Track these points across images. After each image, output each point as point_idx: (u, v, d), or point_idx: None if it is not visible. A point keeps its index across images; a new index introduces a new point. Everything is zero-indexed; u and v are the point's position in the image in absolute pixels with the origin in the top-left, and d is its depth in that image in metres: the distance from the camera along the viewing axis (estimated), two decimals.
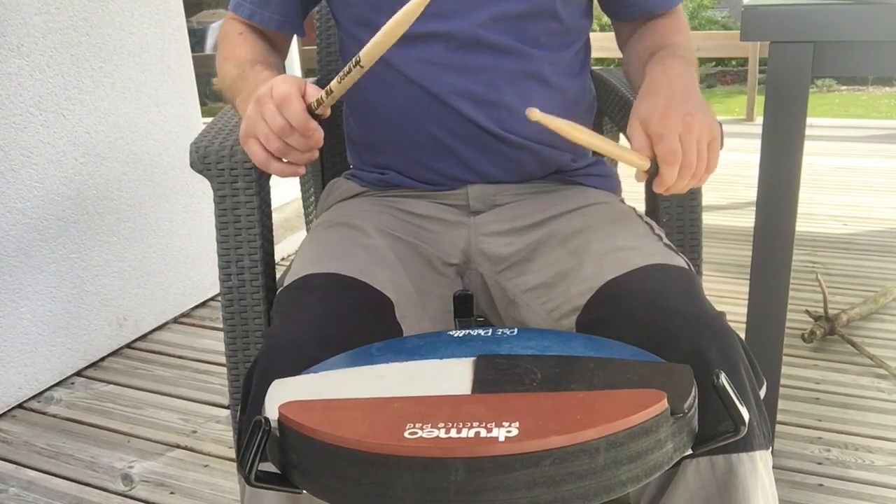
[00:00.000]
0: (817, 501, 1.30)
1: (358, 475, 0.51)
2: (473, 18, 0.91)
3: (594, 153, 1.07)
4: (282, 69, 0.97)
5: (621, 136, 1.28)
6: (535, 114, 0.73)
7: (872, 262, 2.35)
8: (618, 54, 1.08)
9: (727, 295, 2.01)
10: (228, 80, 0.94)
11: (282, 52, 1.05)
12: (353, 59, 0.74)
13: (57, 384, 1.79)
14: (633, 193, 1.12)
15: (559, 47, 0.96)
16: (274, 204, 1.07)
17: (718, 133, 0.80)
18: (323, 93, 0.76)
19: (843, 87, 8.69)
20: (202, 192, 2.13)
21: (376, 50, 0.73)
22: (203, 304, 2.20)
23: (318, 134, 0.77)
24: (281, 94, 0.75)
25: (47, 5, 1.69)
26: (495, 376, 0.61)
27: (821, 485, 1.34)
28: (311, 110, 0.77)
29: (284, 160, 0.79)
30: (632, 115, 0.82)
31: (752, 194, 1.16)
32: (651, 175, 0.79)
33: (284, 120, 0.75)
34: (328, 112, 0.78)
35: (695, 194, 1.05)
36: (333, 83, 0.76)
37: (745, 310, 1.19)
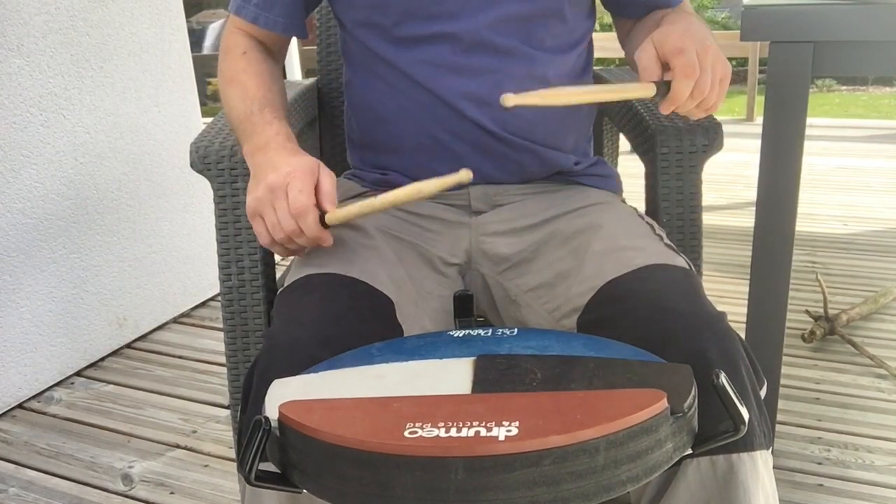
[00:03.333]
0: (817, 501, 1.30)
1: (358, 475, 0.51)
2: (480, 19, 0.90)
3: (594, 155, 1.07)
4: (286, 106, 0.97)
5: (622, 136, 1.28)
6: (509, 99, 0.72)
7: (872, 262, 2.35)
8: (618, 54, 1.08)
9: (727, 295, 2.01)
10: (234, 114, 0.94)
11: (281, 54, 1.04)
12: (378, 198, 0.79)
13: (57, 384, 1.79)
14: (634, 193, 1.12)
15: (563, 50, 0.96)
16: None
17: (730, 72, 0.80)
18: (342, 212, 0.80)
19: (843, 87, 8.69)
20: (202, 192, 2.13)
21: (400, 200, 0.78)
22: (203, 304, 2.20)
23: (329, 242, 0.83)
24: (298, 206, 0.79)
25: (47, 5, 1.69)
26: (495, 376, 0.61)
27: (821, 485, 1.34)
28: (322, 219, 0.81)
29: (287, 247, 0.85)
30: (646, 40, 0.80)
31: (752, 194, 1.15)
32: (661, 95, 0.77)
33: (298, 227, 0.80)
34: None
35: (695, 194, 1.05)
36: (355, 206, 0.80)
37: (745, 310, 1.19)
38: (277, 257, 1.03)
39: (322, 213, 0.81)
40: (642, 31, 0.97)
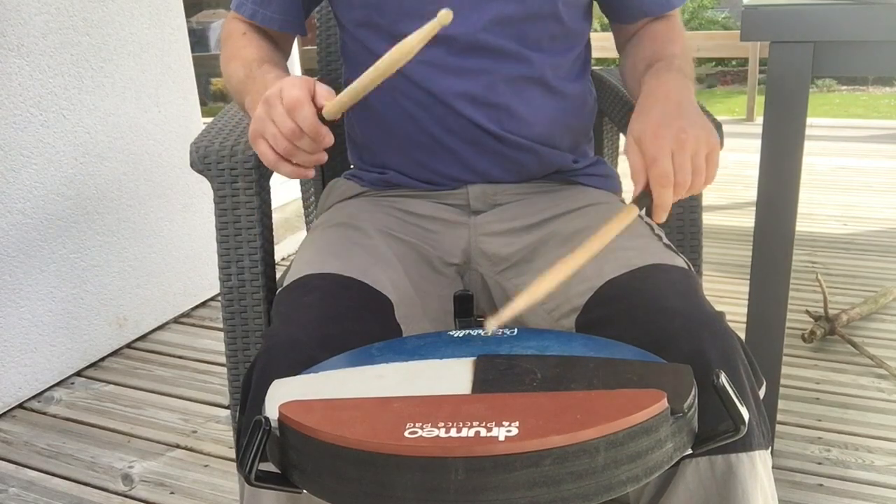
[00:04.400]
0: (817, 501, 1.30)
1: (358, 475, 0.51)
2: (474, 22, 0.90)
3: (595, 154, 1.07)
4: (288, 70, 0.97)
5: (621, 136, 1.28)
6: (490, 324, 0.70)
7: (872, 262, 2.35)
8: (618, 54, 1.08)
9: (727, 295, 2.01)
10: (235, 80, 0.94)
11: (285, 53, 1.05)
12: (366, 73, 0.73)
13: (57, 384, 1.79)
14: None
15: (560, 51, 0.96)
16: (274, 204, 1.07)
17: (717, 144, 0.78)
18: (336, 100, 0.75)
19: (843, 87, 8.69)
20: (202, 192, 2.13)
21: (389, 67, 0.71)
22: (203, 304, 2.20)
23: (329, 137, 0.77)
24: (291, 98, 0.75)
25: (47, 5, 1.69)
26: (495, 376, 0.61)
27: (821, 485, 1.34)
28: (320, 115, 0.76)
29: (293, 161, 0.79)
30: (627, 134, 0.81)
31: (752, 194, 1.15)
32: (646, 205, 0.77)
33: (295, 124, 0.75)
34: (339, 116, 0.78)
35: (695, 194, 1.05)
36: (346, 92, 0.75)
37: (745, 310, 1.19)
38: (277, 257, 1.03)
39: (319, 111, 0.76)
40: (636, 70, 0.96)
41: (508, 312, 0.68)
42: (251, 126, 0.79)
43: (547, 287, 0.69)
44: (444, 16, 0.66)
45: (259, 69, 0.90)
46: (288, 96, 0.74)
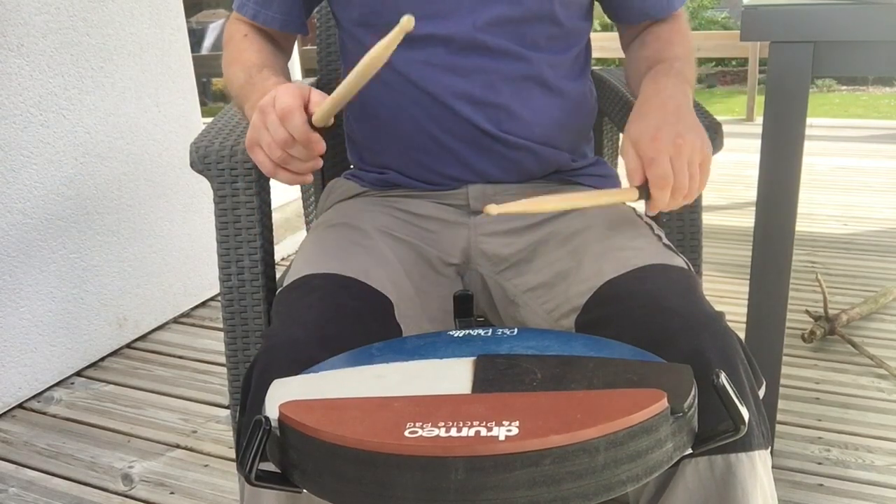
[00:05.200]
0: (817, 501, 1.30)
1: (358, 475, 0.51)
2: (472, 21, 0.91)
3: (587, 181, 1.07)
4: (288, 73, 0.98)
5: (621, 136, 1.28)
6: (492, 209, 0.72)
7: (872, 262, 2.35)
8: (618, 54, 1.08)
9: (727, 295, 2.01)
10: (236, 84, 0.94)
11: (286, 53, 1.05)
12: (346, 79, 0.74)
13: (57, 384, 1.79)
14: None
15: (559, 50, 0.96)
16: (274, 204, 1.07)
17: (709, 153, 0.82)
18: (321, 107, 0.77)
19: (843, 87, 8.69)
20: (202, 192, 2.13)
21: (367, 71, 0.73)
22: (203, 304, 2.20)
23: (320, 145, 0.78)
24: (283, 106, 0.76)
25: (47, 5, 1.69)
26: (495, 376, 0.61)
27: (821, 485, 1.34)
28: (311, 121, 0.77)
29: (289, 169, 0.80)
30: (624, 137, 0.83)
31: (752, 194, 1.15)
32: (643, 198, 0.80)
33: (287, 132, 0.76)
34: (331, 121, 0.78)
35: None
36: (334, 93, 0.76)
37: (745, 310, 1.19)
38: (277, 257, 1.03)
39: (310, 119, 0.78)
40: (639, 71, 0.98)
41: (507, 207, 0.73)
42: (248, 134, 0.80)
43: (540, 207, 0.77)
44: (406, 22, 0.68)
45: (259, 75, 0.90)
46: (280, 104, 0.76)
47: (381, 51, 0.70)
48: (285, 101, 0.76)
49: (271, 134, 0.76)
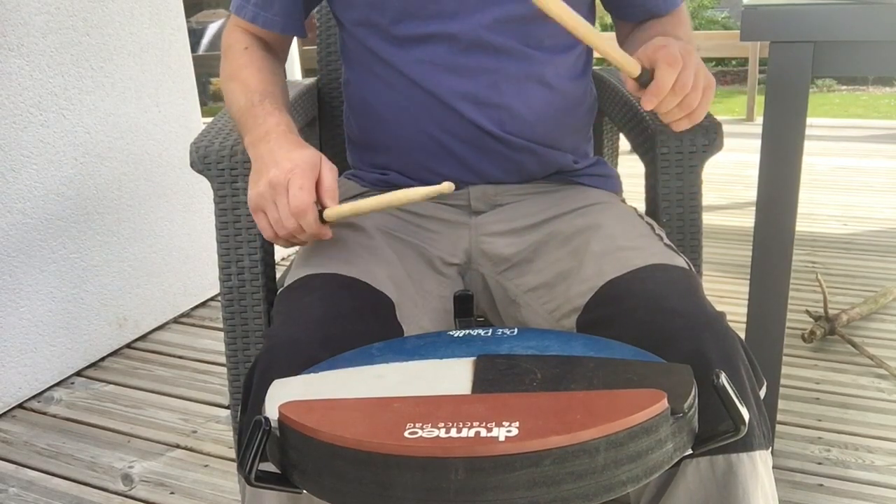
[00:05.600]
0: (817, 501, 1.30)
1: (358, 475, 0.51)
2: (477, 20, 0.90)
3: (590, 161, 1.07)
4: (287, 98, 0.98)
5: (621, 136, 1.28)
6: None
7: (872, 262, 2.35)
8: None
9: (727, 295, 2.01)
10: (235, 106, 0.94)
11: (282, 54, 1.05)
12: (374, 198, 0.82)
13: (57, 384, 1.79)
14: (634, 194, 1.12)
15: (561, 50, 0.96)
16: None
17: (713, 84, 0.80)
18: (337, 210, 0.82)
19: (843, 87, 8.68)
20: (202, 192, 2.13)
21: (392, 204, 0.82)
22: (203, 304, 2.20)
23: (328, 236, 0.84)
24: (297, 205, 0.80)
25: (47, 5, 1.69)
26: (495, 376, 0.61)
27: (821, 485, 1.34)
28: (322, 215, 0.82)
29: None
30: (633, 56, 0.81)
31: (752, 194, 1.15)
32: (644, 82, 0.77)
33: (298, 225, 0.81)
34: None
35: (695, 194, 1.05)
36: (352, 205, 0.82)
37: (745, 310, 1.19)
38: (277, 257, 1.03)
39: (321, 209, 0.82)
40: (635, 45, 0.97)
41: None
42: (252, 197, 0.84)
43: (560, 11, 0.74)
44: (446, 186, 0.78)
45: (261, 106, 0.91)
46: (294, 201, 0.80)
47: (415, 195, 0.79)
48: (299, 199, 0.80)
49: (281, 218, 0.81)
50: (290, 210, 0.80)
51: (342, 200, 1.06)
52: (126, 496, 1.39)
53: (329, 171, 0.82)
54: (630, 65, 0.77)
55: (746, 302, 1.18)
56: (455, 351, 0.67)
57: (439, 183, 0.98)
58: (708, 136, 1.03)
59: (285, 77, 1.03)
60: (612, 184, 1.07)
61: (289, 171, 0.80)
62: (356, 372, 0.65)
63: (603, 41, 0.76)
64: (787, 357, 1.35)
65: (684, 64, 0.76)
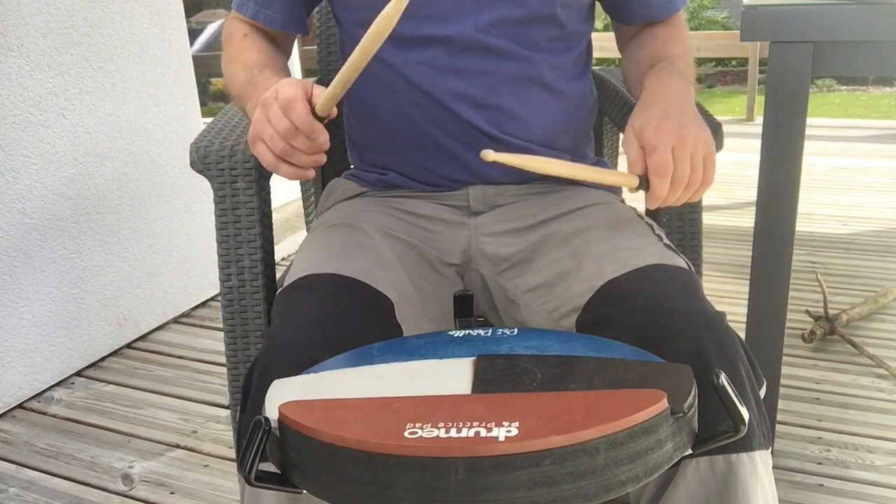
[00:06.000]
0: (817, 501, 1.30)
1: (358, 475, 0.51)
2: (473, 22, 0.90)
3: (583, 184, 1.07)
4: (289, 73, 0.97)
5: (621, 136, 1.28)
6: (489, 155, 0.72)
7: (872, 262, 2.35)
8: (619, 54, 1.08)
9: (727, 295, 2.01)
10: (237, 84, 0.94)
11: (286, 52, 1.05)
12: (349, 60, 0.74)
13: (57, 384, 1.79)
14: (634, 194, 1.11)
15: (560, 51, 0.96)
16: (274, 204, 1.06)
17: (714, 148, 0.80)
18: (325, 93, 0.76)
19: (843, 87, 8.68)
20: (202, 192, 2.13)
21: (370, 45, 0.72)
22: (203, 304, 2.20)
23: (324, 136, 0.77)
24: (286, 97, 0.75)
25: (47, 5, 1.69)
26: (495, 376, 0.61)
27: (821, 485, 1.34)
28: (315, 112, 0.77)
29: (292, 161, 0.79)
30: (627, 127, 0.83)
31: (752, 194, 1.15)
32: (643, 189, 0.79)
33: (289, 122, 0.76)
34: (335, 113, 0.78)
35: None
36: (334, 82, 0.76)
37: (745, 310, 1.19)
38: (277, 257, 1.03)
39: (313, 110, 0.77)
40: (638, 69, 0.98)
41: (506, 158, 0.73)
42: (251, 129, 0.80)
43: (538, 166, 0.76)
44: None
45: (261, 75, 0.90)
46: (283, 95, 0.76)
47: (387, 21, 0.69)
48: (288, 91, 0.76)
49: (273, 125, 0.76)
50: (279, 107, 0.76)
51: (340, 201, 1.06)
52: (126, 496, 1.39)
53: (318, 86, 0.78)
54: (627, 181, 0.79)
55: (746, 302, 1.18)
56: (455, 351, 0.67)
57: (440, 184, 0.99)
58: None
59: (285, 58, 1.03)
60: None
61: (276, 87, 0.78)
62: (356, 372, 0.65)
63: (600, 173, 0.80)
64: (787, 357, 1.35)
65: (677, 160, 0.76)
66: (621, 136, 1.26)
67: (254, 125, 0.79)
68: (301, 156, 0.78)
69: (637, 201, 1.08)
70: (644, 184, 0.79)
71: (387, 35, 0.70)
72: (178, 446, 1.53)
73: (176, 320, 2.11)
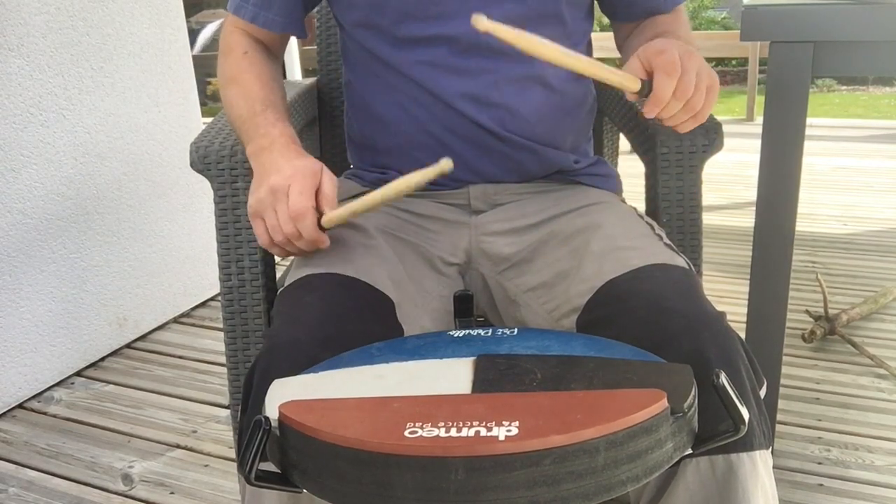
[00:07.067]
0: (817, 501, 1.30)
1: (358, 475, 0.51)
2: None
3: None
4: (287, 108, 0.98)
5: (621, 136, 1.28)
6: (481, 22, 0.70)
7: (872, 262, 2.35)
8: (618, 54, 1.08)
9: (727, 295, 2.01)
10: (235, 113, 0.95)
11: (280, 53, 1.05)
12: (368, 196, 0.80)
13: (57, 384, 1.79)
14: (634, 193, 1.12)
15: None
16: None
17: (717, 81, 0.79)
18: (336, 214, 0.82)
19: (843, 87, 8.69)
20: (202, 192, 2.13)
21: (389, 197, 0.79)
22: (203, 304, 2.20)
23: (326, 244, 0.84)
24: (297, 209, 0.80)
25: (47, 5, 1.69)
26: (495, 376, 0.61)
27: (821, 485, 1.34)
28: (321, 222, 0.82)
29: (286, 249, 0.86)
30: (632, 56, 0.80)
31: (752, 194, 1.15)
32: (645, 93, 0.76)
33: (296, 230, 0.81)
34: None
35: (695, 194, 1.05)
36: (349, 206, 0.81)
37: (745, 310, 1.19)
38: (277, 257, 1.03)
39: (320, 216, 0.83)
40: (634, 48, 0.97)
41: (501, 29, 0.72)
42: (252, 203, 0.84)
43: (533, 47, 0.74)
44: (445, 164, 0.74)
45: (263, 116, 0.91)
46: (293, 206, 0.80)
47: (412, 182, 0.76)
48: (299, 203, 0.80)
49: (280, 222, 0.81)
50: (289, 213, 0.80)
51: (341, 202, 1.06)
52: (126, 496, 1.39)
53: (329, 179, 0.83)
54: (629, 81, 0.76)
55: (746, 302, 1.18)
56: (455, 351, 0.67)
57: (441, 182, 0.98)
58: (708, 136, 1.03)
59: (283, 79, 1.03)
60: (612, 183, 1.07)
61: (290, 177, 0.81)
62: (356, 372, 0.65)
63: (599, 68, 0.76)
64: (787, 357, 1.35)
65: (684, 68, 0.75)
66: (621, 136, 1.27)
67: (258, 204, 0.83)
68: (297, 250, 0.85)
69: (637, 201, 1.08)
70: (646, 88, 0.75)
71: (411, 192, 0.78)
72: (178, 446, 1.53)
73: (176, 320, 2.11)
